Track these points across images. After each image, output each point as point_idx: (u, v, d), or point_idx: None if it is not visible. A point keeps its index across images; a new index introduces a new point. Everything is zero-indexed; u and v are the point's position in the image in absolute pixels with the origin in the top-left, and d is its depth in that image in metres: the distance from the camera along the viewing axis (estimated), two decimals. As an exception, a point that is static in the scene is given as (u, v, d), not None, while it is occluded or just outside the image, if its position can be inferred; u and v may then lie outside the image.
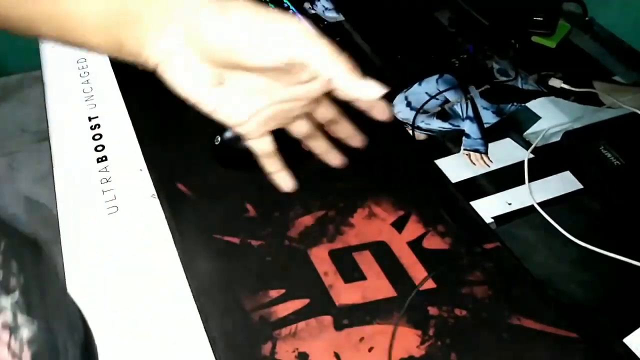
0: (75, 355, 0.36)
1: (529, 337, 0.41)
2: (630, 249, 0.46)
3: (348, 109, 0.59)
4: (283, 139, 0.52)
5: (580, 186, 0.52)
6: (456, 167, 0.54)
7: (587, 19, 0.72)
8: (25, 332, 0.31)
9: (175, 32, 0.29)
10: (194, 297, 0.42)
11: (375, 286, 0.43)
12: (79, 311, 0.43)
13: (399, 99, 0.61)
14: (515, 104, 0.61)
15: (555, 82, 0.63)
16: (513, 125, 0.59)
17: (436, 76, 0.64)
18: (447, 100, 0.61)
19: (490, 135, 0.57)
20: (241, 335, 0.40)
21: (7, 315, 0.30)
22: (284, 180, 0.39)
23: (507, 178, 0.53)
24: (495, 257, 0.45)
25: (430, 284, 0.44)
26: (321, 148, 0.40)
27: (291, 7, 0.71)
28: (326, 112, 0.38)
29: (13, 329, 0.30)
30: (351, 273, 0.44)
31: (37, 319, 0.32)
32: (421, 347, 0.40)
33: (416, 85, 0.63)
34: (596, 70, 0.66)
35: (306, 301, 0.42)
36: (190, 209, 0.48)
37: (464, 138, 0.57)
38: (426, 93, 0.62)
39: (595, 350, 0.40)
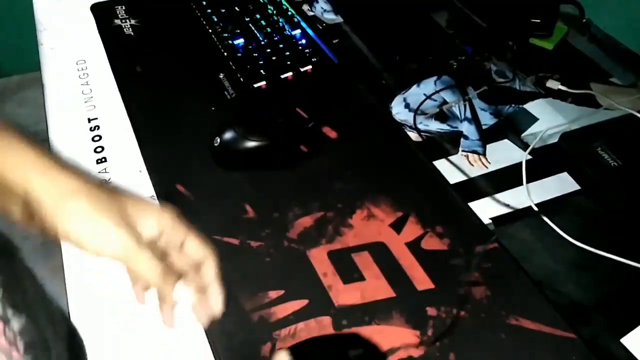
0: (62, 346, 0.37)
1: (526, 337, 0.41)
2: (627, 250, 0.46)
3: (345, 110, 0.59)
4: (281, 140, 0.52)
5: (578, 187, 0.53)
6: (454, 169, 0.54)
7: (584, 20, 0.72)
8: (16, 324, 0.32)
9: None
10: (193, 298, 0.42)
11: (374, 287, 0.43)
12: (60, 307, 0.44)
13: (397, 101, 0.61)
14: (513, 105, 0.61)
15: (553, 84, 0.63)
16: (511, 127, 0.59)
17: (434, 78, 0.64)
18: (445, 102, 0.61)
19: (488, 136, 0.58)
20: (241, 336, 0.40)
21: None
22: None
23: (505, 179, 0.53)
24: (493, 258, 0.46)
25: (428, 285, 0.44)
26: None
27: (290, 9, 0.71)
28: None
29: (5, 320, 0.30)
30: (350, 274, 0.44)
31: (23, 313, 0.33)
32: (420, 348, 0.40)
33: (414, 86, 0.63)
34: (593, 71, 0.67)
35: (305, 302, 0.42)
36: (190, 210, 0.48)
37: (462, 139, 0.57)
38: (424, 94, 0.62)
39: (593, 350, 0.40)
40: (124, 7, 0.72)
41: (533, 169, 0.54)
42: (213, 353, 0.39)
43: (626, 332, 0.42)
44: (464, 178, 0.53)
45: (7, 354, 0.28)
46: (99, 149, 0.54)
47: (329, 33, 0.70)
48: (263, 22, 0.68)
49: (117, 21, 0.69)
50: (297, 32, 0.67)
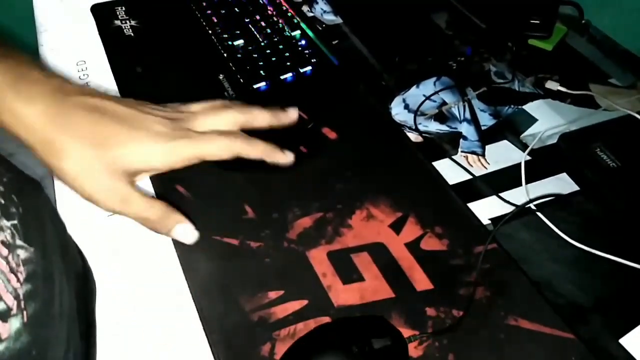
0: (69, 285, 0.37)
1: (525, 337, 0.41)
2: (626, 251, 0.46)
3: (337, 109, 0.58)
4: (280, 141, 0.52)
5: (577, 188, 0.53)
6: (454, 169, 0.54)
7: (583, 21, 0.73)
8: (22, 253, 0.31)
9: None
10: (193, 298, 0.43)
11: (374, 287, 0.43)
12: (77, 248, 0.44)
13: (397, 102, 0.62)
14: (512, 106, 0.62)
15: (552, 85, 0.63)
16: (510, 128, 0.59)
17: (434, 79, 0.64)
18: (444, 103, 0.61)
19: (487, 137, 0.58)
20: (240, 336, 0.40)
21: (6, 233, 0.30)
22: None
23: (504, 180, 0.53)
24: (492, 259, 0.46)
25: (428, 285, 0.44)
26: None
27: (289, 10, 0.71)
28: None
29: (11, 247, 0.30)
30: (349, 274, 0.44)
31: (33, 247, 0.32)
32: (419, 348, 0.40)
33: (414, 87, 0.63)
34: (592, 72, 0.67)
35: (305, 302, 0.42)
36: (189, 211, 0.49)
37: (461, 140, 0.57)
38: (424, 95, 0.62)
39: (592, 351, 0.40)
40: (124, 8, 0.72)
41: (532, 169, 0.54)
42: (213, 353, 0.39)
43: (625, 332, 0.42)
44: (463, 179, 0.53)
45: (5, 277, 0.28)
46: (99, 150, 0.54)
47: (328, 34, 0.71)
48: (263, 23, 0.68)
49: (117, 22, 0.69)
50: (297, 33, 0.67)
